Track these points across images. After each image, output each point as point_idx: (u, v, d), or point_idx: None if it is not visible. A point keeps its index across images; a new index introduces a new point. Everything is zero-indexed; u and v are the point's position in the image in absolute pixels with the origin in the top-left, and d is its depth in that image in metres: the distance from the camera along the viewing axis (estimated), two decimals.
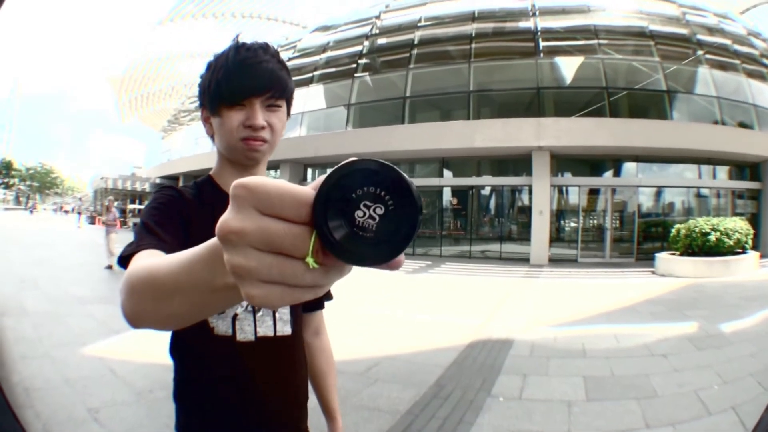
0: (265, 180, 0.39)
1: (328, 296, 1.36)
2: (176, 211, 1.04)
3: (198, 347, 1.11)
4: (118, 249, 11.93)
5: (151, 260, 0.67)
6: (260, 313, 1.14)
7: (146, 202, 1.13)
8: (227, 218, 0.39)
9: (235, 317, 1.11)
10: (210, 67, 1.09)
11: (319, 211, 0.38)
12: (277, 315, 1.16)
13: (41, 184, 64.34)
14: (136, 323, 0.64)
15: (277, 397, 1.15)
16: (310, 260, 0.39)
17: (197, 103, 1.20)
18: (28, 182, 61.82)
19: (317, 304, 1.39)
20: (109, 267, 11.74)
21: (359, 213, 0.38)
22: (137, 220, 1.36)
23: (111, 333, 5.90)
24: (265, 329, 1.13)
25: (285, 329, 1.16)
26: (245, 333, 1.11)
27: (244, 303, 1.05)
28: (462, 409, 3.88)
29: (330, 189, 0.38)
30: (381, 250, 0.38)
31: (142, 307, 0.62)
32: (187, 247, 0.57)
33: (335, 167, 0.38)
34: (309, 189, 0.39)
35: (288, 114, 1.16)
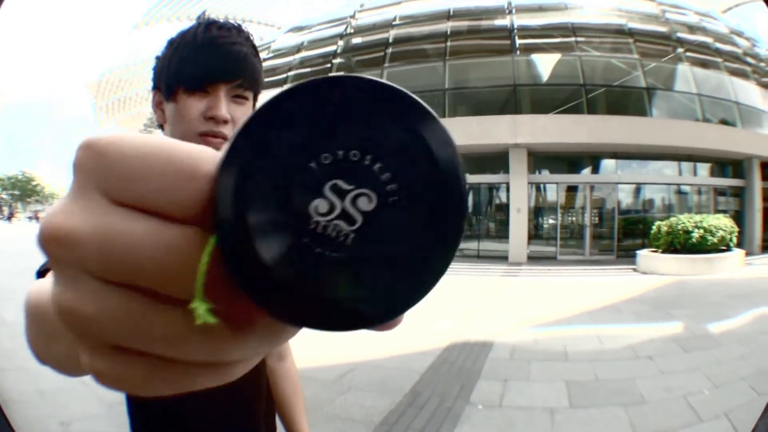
0: (130, 138, 0.21)
1: None
2: None
3: None
4: None
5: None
6: None
7: None
8: (54, 210, 0.22)
9: None
10: (172, 43, 0.93)
11: (231, 195, 0.19)
12: None
13: (22, 192, 64.04)
14: (40, 359, 0.45)
15: (240, 422, 1.05)
16: (199, 306, 0.19)
17: (150, 86, 1.02)
18: (9, 191, 61.57)
19: None
20: None
21: (321, 205, 0.19)
22: None
23: None
24: None
25: None
26: None
27: None
28: (439, 419, 3.72)
29: (257, 146, 0.19)
30: (369, 295, 0.20)
31: (33, 341, 0.43)
32: None
33: (280, 91, 0.20)
34: (210, 151, 0.21)
35: (254, 107, 0.96)
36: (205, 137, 0.89)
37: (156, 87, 0.98)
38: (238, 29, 0.93)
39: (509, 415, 3.82)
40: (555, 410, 3.87)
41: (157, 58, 0.98)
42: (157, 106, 0.98)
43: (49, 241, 0.21)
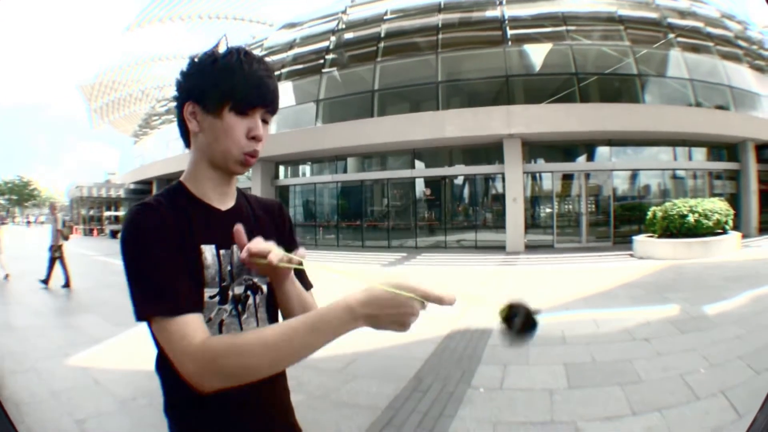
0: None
1: (306, 285, 1.29)
2: (160, 236, 0.99)
3: None
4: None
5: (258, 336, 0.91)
6: (245, 316, 1.14)
7: (124, 223, 1.03)
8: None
9: (221, 323, 1.10)
10: (214, 63, 1.06)
11: None
12: (259, 314, 1.17)
13: (19, 197, 63.88)
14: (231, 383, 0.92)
15: (264, 402, 1.16)
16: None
17: (177, 95, 1.13)
18: (7, 196, 61.35)
19: (307, 283, 1.32)
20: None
21: None
22: (115, 227, 1.20)
23: (92, 342, 5.91)
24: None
25: None
26: None
27: (229, 307, 1.11)
28: (443, 402, 3.79)
29: None
30: None
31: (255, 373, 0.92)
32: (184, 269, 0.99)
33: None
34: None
35: None
36: (247, 155, 1.09)
37: (190, 99, 1.09)
38: (267, 64, 1.11)
39: (510, 397, 3.88)
40: (554, 391, 3.93)
41: (186, 73, 1.10)
42: (192, 116, 1.09)
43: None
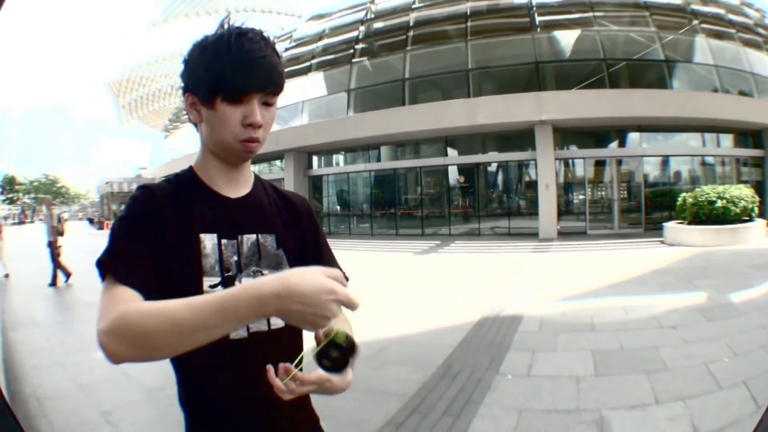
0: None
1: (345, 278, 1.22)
2: (147, 219, 1.00)
3: (193, 350, 0.96)
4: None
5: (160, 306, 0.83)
6: None
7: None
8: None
9: None
10: (204, 50, 1.01)
11: None
12: None
13: (47, 195, 64.61)
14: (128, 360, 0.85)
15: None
16: None
17: (180, 86, 1.11)
18: (33, 194, 62.01)
19: None
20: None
21: None
22: None
23: None
24: (258, 324, 1.07)
25: (278, 322, 1.09)
26: (237, 330, 1.03)
27: None
28: (470, 389, 3.83)
29: None
30: None
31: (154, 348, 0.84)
32: (156, 263, 0.96)
33: None
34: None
35: (276, 108, 1.10)
36: (243, 143, 1.03)
37: (189, 89, 1.06)
38: (265, 39, 1.02)
39: (537, 384, 3.88)
40: (581, 378, 3.95)
41: (186, 62, 1.06)
42: (192, 106, 1.06)
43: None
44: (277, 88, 1.03)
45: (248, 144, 1.03)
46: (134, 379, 4.34)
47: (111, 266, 0.93)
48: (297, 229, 1.19)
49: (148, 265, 0.95)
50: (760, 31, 19.62)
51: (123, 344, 0.81)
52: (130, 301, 0.88)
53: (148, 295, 0.91)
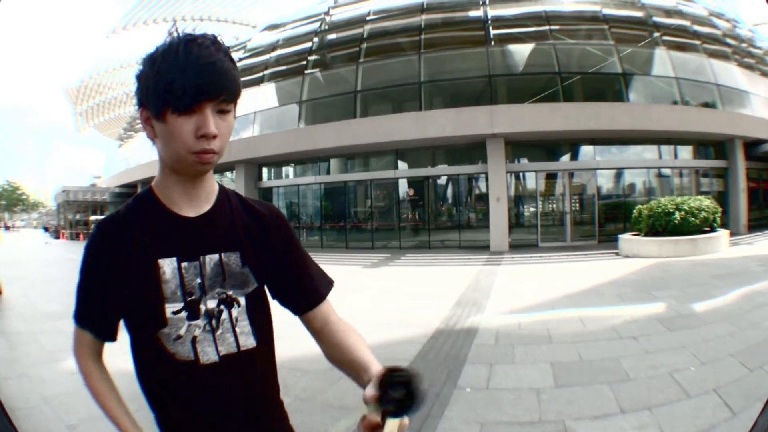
0: None
1: (326, 284, 1.25)
2: (101, 263, 1.03)
3: (161, 375, 1.06)
4: None
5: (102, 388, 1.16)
6: (219, 331, 1.06)
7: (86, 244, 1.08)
8: None
9: (194, 340, 1.04)
10: (153, 62, 0.95)
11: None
12: (237, 329, 1.08)
13: (8, 202, 63.89)
14: None
15: (250, 416, 1.11)
16: None
17: (135, 102, 1.05)
18: None
19: (315, 297, 1.21)
20: None
21: None
22: None
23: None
24: (227, 347, 1.06)
25: (248, 342, 1.09)
26: (208, 355, 1.04)
27: (202, 323, 1.04)
28: (429, 402, 3.74)
29: None
30: None
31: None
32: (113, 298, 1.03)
33: None
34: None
35: (234, 116, 1.03)
36: (197, 155, 0.97)
37: (142, 104, 1.01)
38: (215, 43, 0.96)
39: (497, 396, 3.83)
40: (541, 390, 3.89)
41: (138, 77, 1.00)
42: (146, 122, 1.01)
43: None
44: (231, 95, 0.98)
45: (203, 156, 0.97)
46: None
47: (75, 318, 1.10)
48: (264, 243, 1.14)
49: (102, 312, 1.06)
50: (730, 41, 20.03)
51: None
52: (84, 343, 1.11)
53: (106, 333, 1.10)
